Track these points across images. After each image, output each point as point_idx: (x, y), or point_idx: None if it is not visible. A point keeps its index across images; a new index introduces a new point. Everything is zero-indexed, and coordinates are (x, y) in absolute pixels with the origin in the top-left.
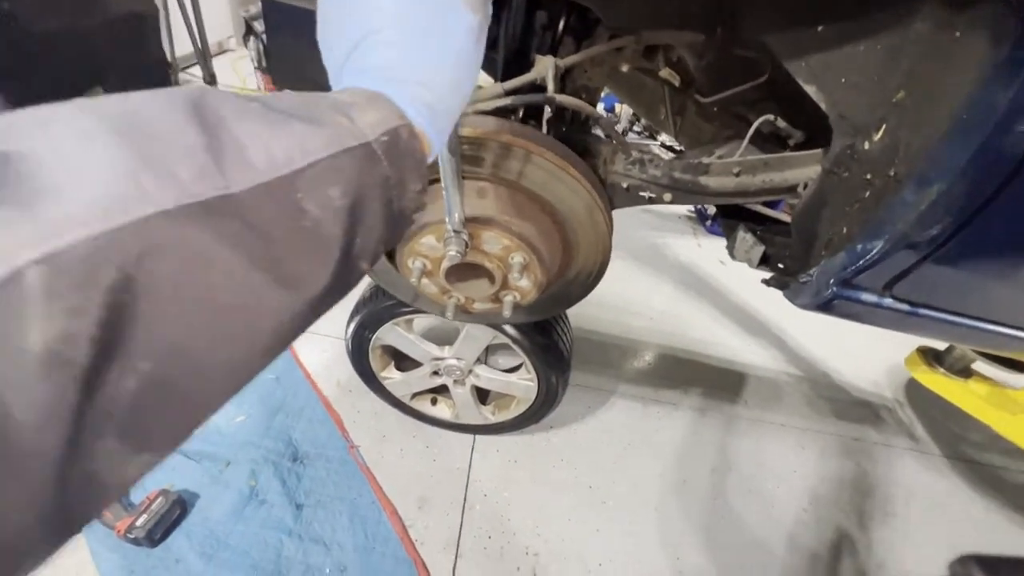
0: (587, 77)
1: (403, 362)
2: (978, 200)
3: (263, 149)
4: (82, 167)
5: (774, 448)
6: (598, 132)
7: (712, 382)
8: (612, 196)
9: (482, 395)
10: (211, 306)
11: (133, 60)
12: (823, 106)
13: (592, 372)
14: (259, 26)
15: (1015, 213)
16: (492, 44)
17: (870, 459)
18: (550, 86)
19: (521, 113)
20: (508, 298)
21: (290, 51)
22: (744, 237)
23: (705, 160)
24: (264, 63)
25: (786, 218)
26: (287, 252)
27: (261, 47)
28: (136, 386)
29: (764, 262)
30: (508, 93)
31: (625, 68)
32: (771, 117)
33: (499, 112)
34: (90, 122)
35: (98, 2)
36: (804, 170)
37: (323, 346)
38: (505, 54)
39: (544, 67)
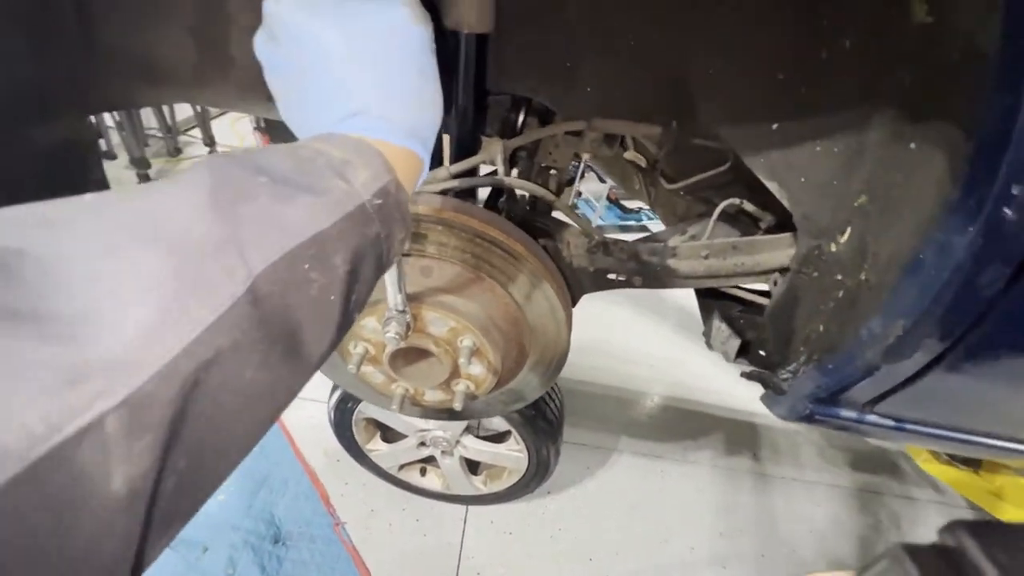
0: (552, 158)
1: (389, 432)
2: (953, 335)
3: (276, 227)
4: (119, 288)
5: (787, 505)
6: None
7: (718, 435)
8: (581, 280)
9: (473, 465)
10: (243, 397)
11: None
12: (785, 204)
13: (590, 428)
14: None
15: (1007, 333)
16: (442, 128)
17: (891, 513)
18: (500, 168)
19: (484, 197)
20: (460, 387)
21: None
22: (719, 327)
23: (672, 243)
24: (262, 123)
25: (767, 303)
26: (301, 324)
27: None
28: (175, 483)
29: (744, 351)
30: (455, 176)
31: (586, 155)
32: (736, 201)
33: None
34: (111, 228)
35: (20, 139)
36: (776, 254)
37: (310, 412)
38: (457, 136)
39: (493, 150)
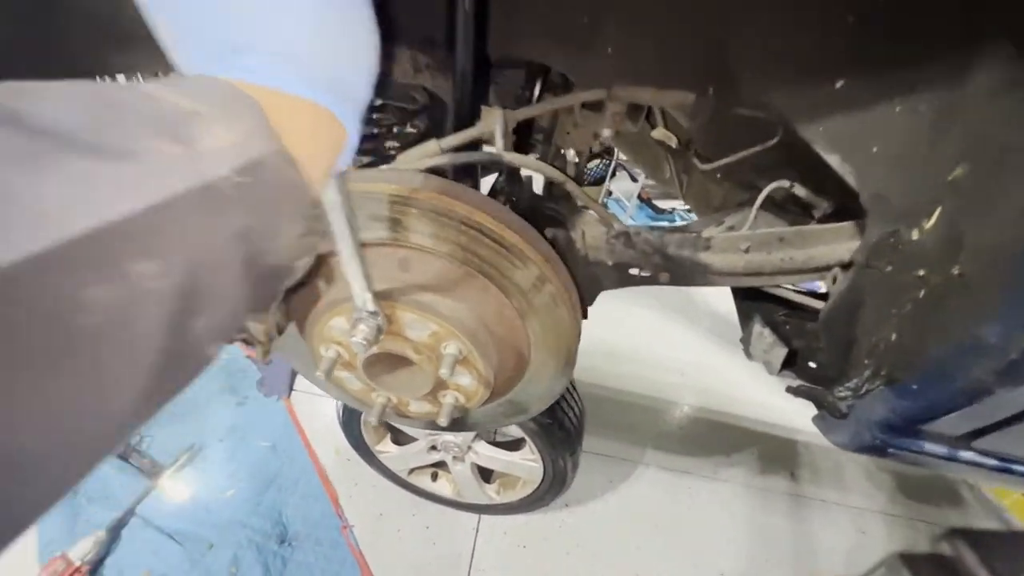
0: (570, 139)
1: (400, 434)
2: None
3: (27, 214)
4: None
5: (828, 533)
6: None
7: (753, 450)
8: (598, 276)
9: (486, 472)
10: None
11: None
12: (851, 182)
13: (615, 438)
14: None
15: None
16: (439, 102)
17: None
18: (498, 143)
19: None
20: (448, 399)
21: None
22: (761, 333)
23: (707, 234)
24: None
25: (819, 305)
26: (50, 370)
27: None
28: None
29: (790, 362)
30: (447, 151)
31: (607, 132)
32: (784, 184)
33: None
34: None
35: None
36: (834, 246)
37: (325, 408)
38: (455, 105)
39: (491, 120)
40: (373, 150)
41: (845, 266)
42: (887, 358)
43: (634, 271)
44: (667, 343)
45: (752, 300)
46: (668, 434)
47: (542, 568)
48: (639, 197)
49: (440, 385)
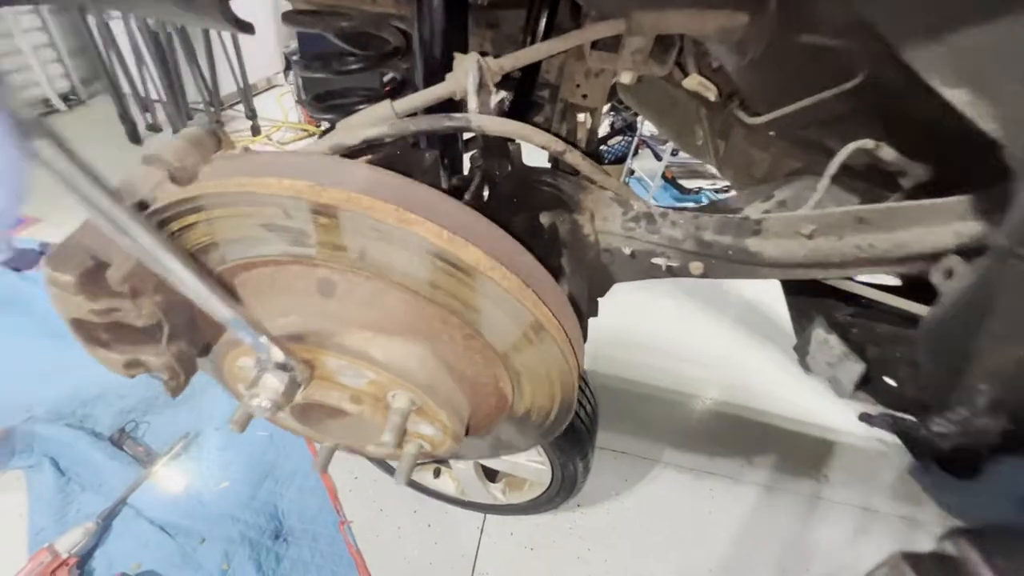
0: (580, 93)
1: None
2: None
3: None
4: None
5: (861, 541)
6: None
7: (783, 450)
8: (610, 266)
9: (491, 472)
10: None
11: None
12: (990, 129)
13: (633, 434)
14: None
15: None
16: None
17: None
18: (471, 100)
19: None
20: (409, 449)
21: (321, 84)
22: (825, 341)
23: (754, 212)
24: (304, 96)
25: (914, 309)
26: None
27: (300, 81)
28: None
29: (864, 381)
30: (404, 116)
31: (627, 78)
32: (869, 143)
33: (401, 150)
34: None
35: None
36: (935, 230)
37: None
38: (423, 55)
39: (462, 71)
40: (337, 106)
41: (966, 255)
42: (1017, 384)
43: (658, 261)
44: (690, 332)
45: (808, 295)
46: (689, 431)
47: (551, 572)
48: (663, 176)
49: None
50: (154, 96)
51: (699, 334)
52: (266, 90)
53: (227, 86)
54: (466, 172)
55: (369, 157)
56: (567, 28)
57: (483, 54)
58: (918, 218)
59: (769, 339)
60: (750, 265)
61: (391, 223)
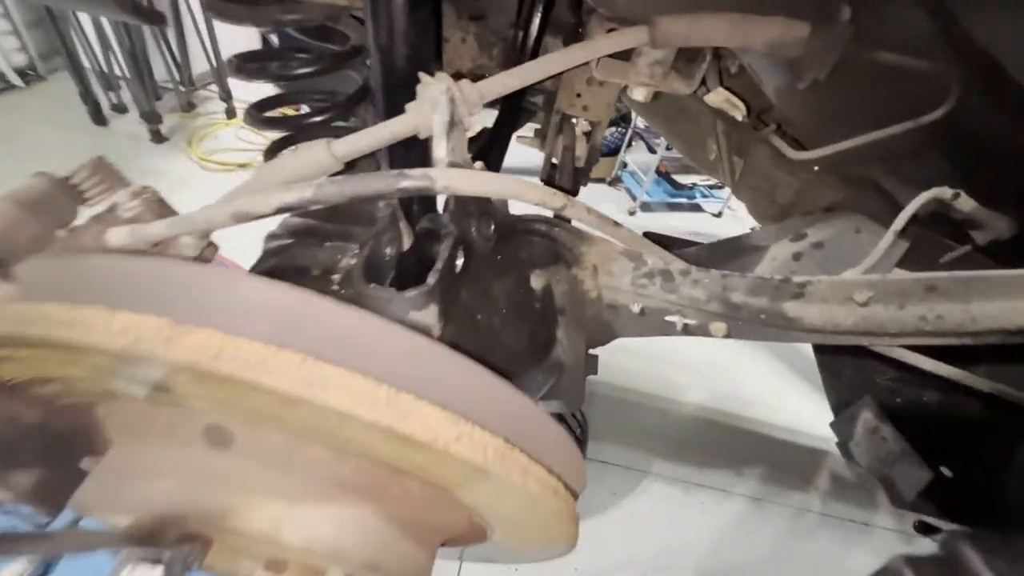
0: (580, 104)
1: None
2: None
3: None
4: None
5: (856, 556)
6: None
7: (774, 461)
8: (614, 323)
9: None
10: None
11: None
12: None
13: (621, 444)
14: (275, 40)
15: None
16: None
17: None
18: (436, 148)
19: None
20: None
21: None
22: (877, 429)
23: (784, 255)
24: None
25: (977, 384)
26: None
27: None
28: None
29: (932, 490)
30: (337, 172)
31: (641, 95)
32: (947, 192)
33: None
34: None
35: None
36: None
37: None
38: (383, 74)
39: (426, 100)
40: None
41: None
42: None
43: (673, 319)
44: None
45: (842, 353)
46: (679, 440)
47: None
48: (657, 170)
49: None
50: (119, 73)
51: (690, 339)
52: None
53: (200, 64)
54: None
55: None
56: (565, 22)
57: (458, 76)
58: (1006, 290)
59: (762, 344)
60: (787, 330)
61: (290, 392)
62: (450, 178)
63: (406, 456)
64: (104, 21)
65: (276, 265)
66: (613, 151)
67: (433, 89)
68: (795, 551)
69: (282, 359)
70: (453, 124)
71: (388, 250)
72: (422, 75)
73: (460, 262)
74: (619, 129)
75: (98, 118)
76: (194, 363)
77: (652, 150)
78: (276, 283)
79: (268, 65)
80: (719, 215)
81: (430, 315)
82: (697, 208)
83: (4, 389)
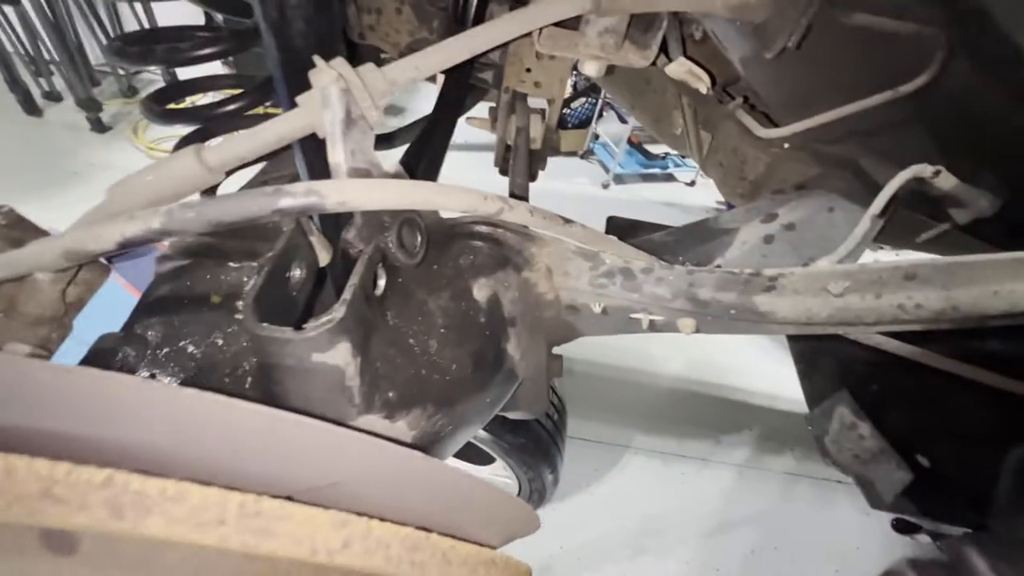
0: (531, 81)
1: None
2: None
3: None
4: None
5: (836, 516)
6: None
7: (752, 428)
8: (576, 323)
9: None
10: None
11: None
12: None
13: (600, 420)
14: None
15: None
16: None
17: None
18: (332, 149)
19: None
20: None
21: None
22: (854, 426)
23: (754, 238)
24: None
25: (959, 371)
26: None
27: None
28: None
29: (913, 487)
30: (223, 172)
31: (592, 70)
32: (928, 170)
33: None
34: None
35: None
36: (1012, 290)
37: None
38: (279, 57)
39: (322, 87)
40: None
41: None
42: None
43: (638, 316)
44: None
45: (814, 339)
46: (658, 413)
47: None
48: (629, 141)
49: None
50: (48, 57)
51: None
52: None
53: None
54: None
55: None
56: None
57: (380, 53)
58: (988, 276)
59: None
60: (758, 323)
61: (90, 523)
62: (346, 191)
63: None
64: None
65: (170, 292)
66: (584, 123)
67: (324, 77)
68: (777, 514)
69: (76, 480)
70: (351, 121)
71: (297, 272)
72: (317, 59)
73: (382, 283)
74: (589, 100)
75: (30, 107)
76: None
77: (624, 120)
78: (75, 368)
79: (154, 48)
80: (692, 184)
81: (340, 354)
82: (671, 178)
83: None
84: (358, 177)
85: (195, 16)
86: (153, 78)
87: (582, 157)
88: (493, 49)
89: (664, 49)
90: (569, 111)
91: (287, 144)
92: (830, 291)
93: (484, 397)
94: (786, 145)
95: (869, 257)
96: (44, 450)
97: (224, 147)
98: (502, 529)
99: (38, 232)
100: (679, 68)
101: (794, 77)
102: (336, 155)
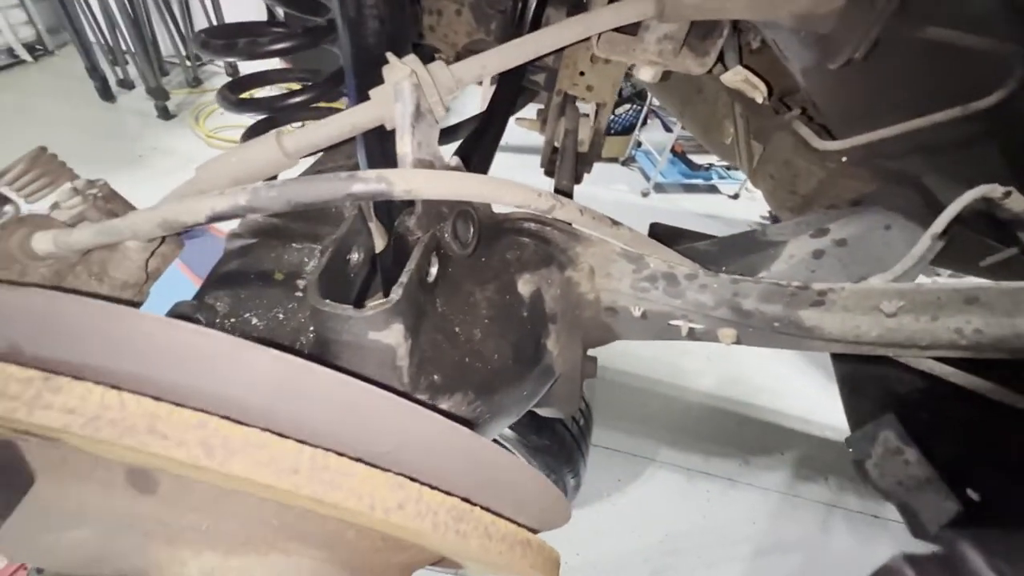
0: (584, 84)
1: None
2: None
3: None
4: None
5: (865, 550)
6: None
7: (784, 450)
8: (612, 325)
9: None
10: None
11: None
12: None
13: (627, 431)
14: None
15: None
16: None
17: None
18: (401, 140)
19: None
20: None
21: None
22: (899, 451)
23: (802, 252)
24: None
25: (1010, 400)
26: None
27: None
28: None
29: (960, 524)
30: (298, 157)
31: (648, 75)
32: (998, 190)
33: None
34: None
35: None
36: None
37: None
38: (352, 44)
39: (395, 82)
40: (257, 103)
41: None
42: None
43: (678, 323)
44: None
45: (861, 361)
46: (686, 428)
47: None
48: (672, 150)
49: None
50: (125, 48)
51: None
52: None
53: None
54: None
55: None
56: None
57: (435, 52)
58: None
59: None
60: (803, 338)
61: (186, 459)
62: (412, 180)
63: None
64: None
65: (238, 268)
66: (627, 129)
67: (397, 72)
68: (804, 542)
69: (177, 420)
70: (419, 115)
71: (355, 255)
72: (390, 56)
73: (435, 270)
74: (634, 107)
75: (105, 93)
76: (63, 428)
77: (668, 128)
78: (178, 323)
79: (237, 41)
80: (735, 197)
81: (394, 335)
82: (713, 189)
83: None
84: (422, 168)
85: (259, 12)
86: (216, 70)
87: (623, 164)
88: (555, 52)
89: (720, 57)
90: (612, 117)
91: (352, 136)
92: (882, 310)
93: (521, 389)
94: (844, 159)
95: (925, 282)
96: (145, 393)
97: (300, 134)
98: (537, 515)
99: (128, 206)
100: (735, 77)
101: (858, 89)
102: (404, 146)
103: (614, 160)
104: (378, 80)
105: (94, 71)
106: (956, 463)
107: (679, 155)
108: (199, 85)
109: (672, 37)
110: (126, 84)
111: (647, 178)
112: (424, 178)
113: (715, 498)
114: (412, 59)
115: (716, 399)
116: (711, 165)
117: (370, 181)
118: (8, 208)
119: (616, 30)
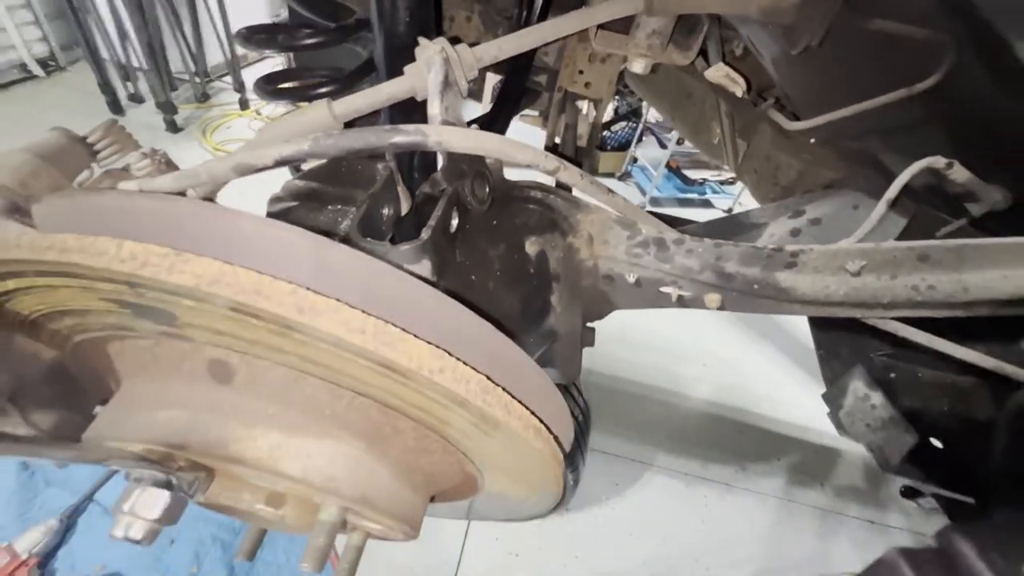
0: (582, 81)
1: None
2: None
3: None
4: None
5: (859, 553)
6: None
7: (779, 457)
8: (610, 293)
9: None
10: None
11: None
12: None
13: (625, 436)
14: None
15: None
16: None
17: None
18: (432, 104)
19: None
20: (354, 540)
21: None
22: (867, 397)
23: (782, 231)
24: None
25: (971, 358)
26: None
27: (291, 53)
28: None
29: (914, 455)
30: (338, 122)
31: (639, 67)
32: (941, 162)
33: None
34: None
35: None
36: (1017, 275)
37: None
38: (384, 35)
39: (427, 60)
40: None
41: None
42: None
43: (668, 290)
44: (687, 328)
45: (838, 329)
46: (684, 433)
47: None
48: (667, 166)
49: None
50: (136, 64)
51: (697, 331)
52: (257, 61)
53: (215, 56)
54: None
55: (302, 171)
56: (571, 4)
57: (455, 40)
58: (997, 258)
59: (769, 337)
60: (779, 301)
61: (284, 314)
62: (443, 134)
63: (394, 390)
64: (123, 13)
65: None
66: (624, 146)
67: (428, 50)
68: (800, 546)
69: (276, 287)
70: (448, 84)
71: (385, 211)
72: (421, 39)
73: (455, 222)
74: (630, 124)
75: (116, 108)
76: (194, 287)
77: (663, 145)
78: (273, 221)
79: (275, 36)
80: (730, 211)
81: (424, 269)
82: (707, 204)
83: (24, 324)
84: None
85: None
86: (224, 86)
87: (620, 179)
88: (556, 41)
89: (705, 55)
90: (609, 134)
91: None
92: (848, 269)
93: (528, 338)
94: (813, 141)
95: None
96: None
97: (347, 101)
98: (545, 414)
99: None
100: (717, 72)
101: (817, 75)
102: (434, 108)
103: (611, 175)
104: (405, 64)
105: (106, 86)
106: (922, 416)
107: (674, 170)
108: (207, 100)
109: (659, 33)
110: (136, 98)
111: (643, 192)
112: (452, 132)
113: (713, 503)
114: (441, 39)
115: (714, 406)
116: (705, 180)
117: (410, 133)
118: (85, 171)
119: (610, 29)
